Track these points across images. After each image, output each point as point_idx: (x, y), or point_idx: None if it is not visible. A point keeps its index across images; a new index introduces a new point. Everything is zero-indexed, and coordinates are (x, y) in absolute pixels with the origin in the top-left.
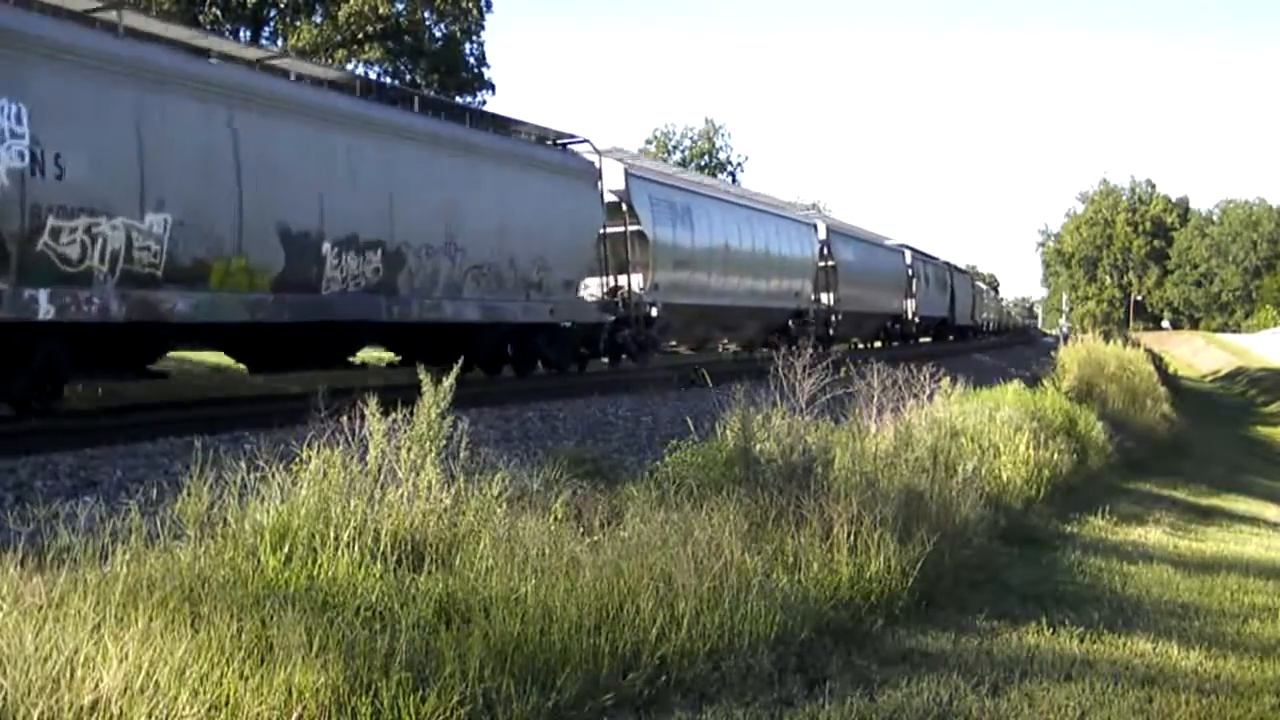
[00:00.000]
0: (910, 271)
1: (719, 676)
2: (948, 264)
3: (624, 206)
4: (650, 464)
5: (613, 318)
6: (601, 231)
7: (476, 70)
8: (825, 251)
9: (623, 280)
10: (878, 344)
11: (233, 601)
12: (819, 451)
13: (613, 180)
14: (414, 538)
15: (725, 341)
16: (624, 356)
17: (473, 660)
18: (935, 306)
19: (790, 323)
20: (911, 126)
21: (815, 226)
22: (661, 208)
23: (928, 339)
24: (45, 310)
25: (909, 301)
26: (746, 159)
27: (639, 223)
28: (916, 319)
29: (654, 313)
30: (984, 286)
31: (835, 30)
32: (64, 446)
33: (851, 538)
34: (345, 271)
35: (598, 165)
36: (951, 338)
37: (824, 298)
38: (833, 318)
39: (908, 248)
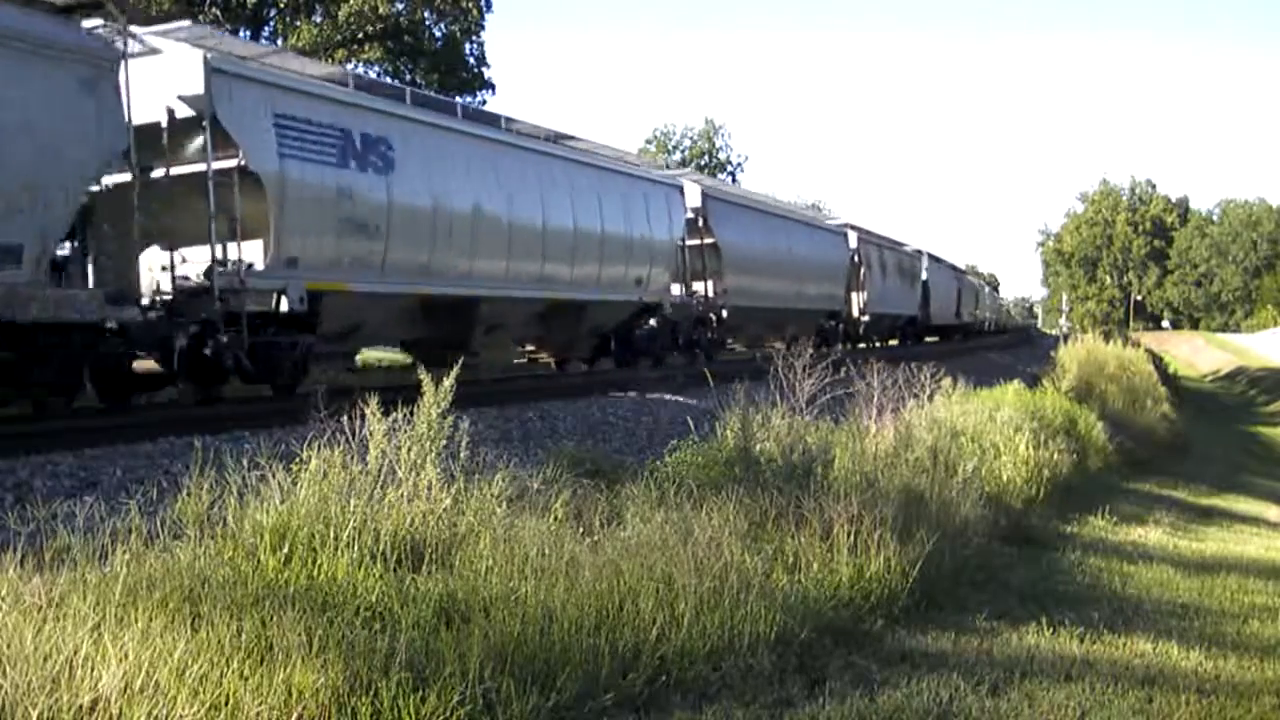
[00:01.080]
0: (856, 257)
1: (719, 676)
2: (920, 251)
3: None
4: (650, 464)
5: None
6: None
7: (476, 70)
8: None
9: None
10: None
11: (233, 601)
12: (819, 451)
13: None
14: (414, 538)
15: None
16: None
17: (473, 660)
18: (896, 301)
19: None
20: (911, 126)
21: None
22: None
23: (895, 341)
24: None
25: (856, 295)
26: (746, 159)
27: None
28: (865, 316)
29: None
30: (975, 281)
31: (835, 30)
32: (64, 446)
33: (851, 538)
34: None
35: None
36: (941, 340)
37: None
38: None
39: (852, 227)
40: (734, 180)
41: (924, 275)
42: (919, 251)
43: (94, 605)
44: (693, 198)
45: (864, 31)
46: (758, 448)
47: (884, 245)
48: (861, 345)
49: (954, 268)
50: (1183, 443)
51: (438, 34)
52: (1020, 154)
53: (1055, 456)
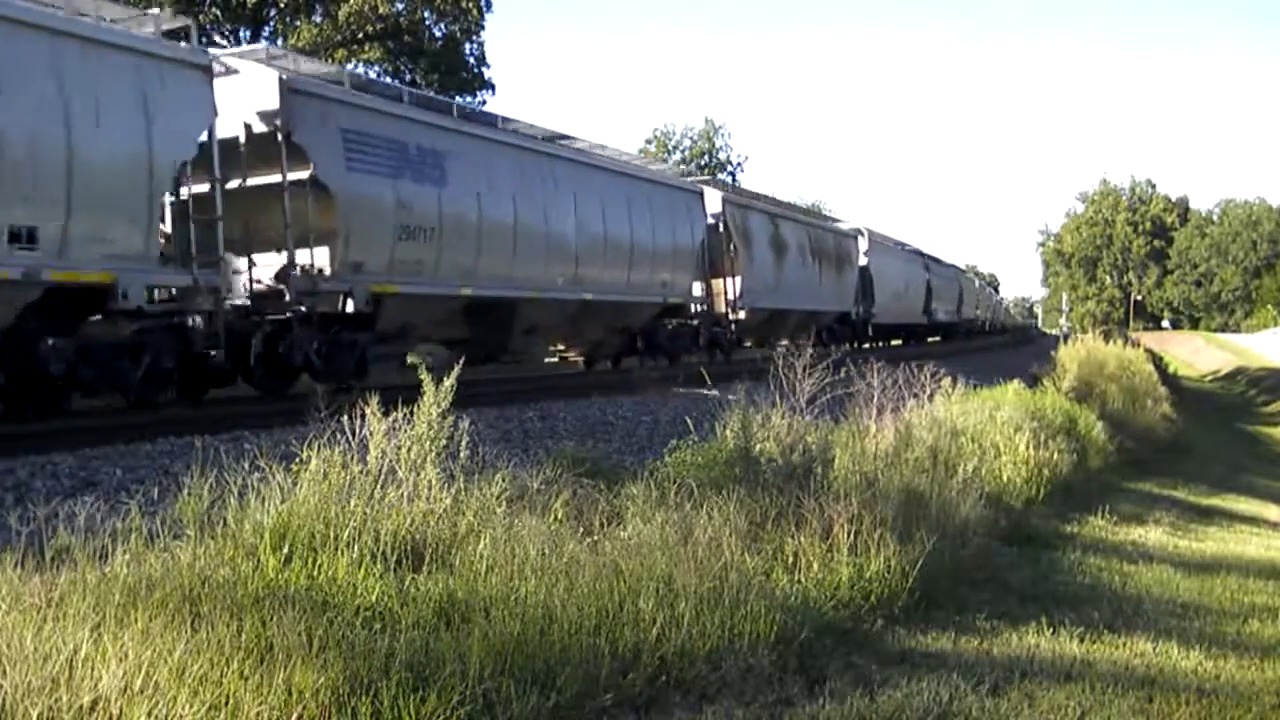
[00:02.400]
0: (723, 228)
1: (719, 676)
2: (859, 230)
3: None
4: (650, 464)
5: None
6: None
7: (476, 70)
8: None
9: (717, 285)
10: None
11: (233, 601)
12: (819, 451)
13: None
14: (414, 538)
15: (784, 341)
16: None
17: (473, 660)
18: (805, 293)
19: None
20: (912, 127)
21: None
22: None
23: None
24: None
25: (728, 283)
26: (746, 159)
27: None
28: (739, 314)
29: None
30: (957, 270)
31: (835, 30)
32: (64, 446)
33: (851, 538)
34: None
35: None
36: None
37: None
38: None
39: (718, 186)
40: (734, 180)
41: (862, 260)
42: (856, 230)
43: (94, 605)
44: (713, 204)
45: (864, 31)
46: (758, 448)
47: (779, 215)
48: (720, 355)
49: (922, 255)
50: (1183, 443)
51: (438, 34)
52: (1020, 154)
53: (1055, 456)
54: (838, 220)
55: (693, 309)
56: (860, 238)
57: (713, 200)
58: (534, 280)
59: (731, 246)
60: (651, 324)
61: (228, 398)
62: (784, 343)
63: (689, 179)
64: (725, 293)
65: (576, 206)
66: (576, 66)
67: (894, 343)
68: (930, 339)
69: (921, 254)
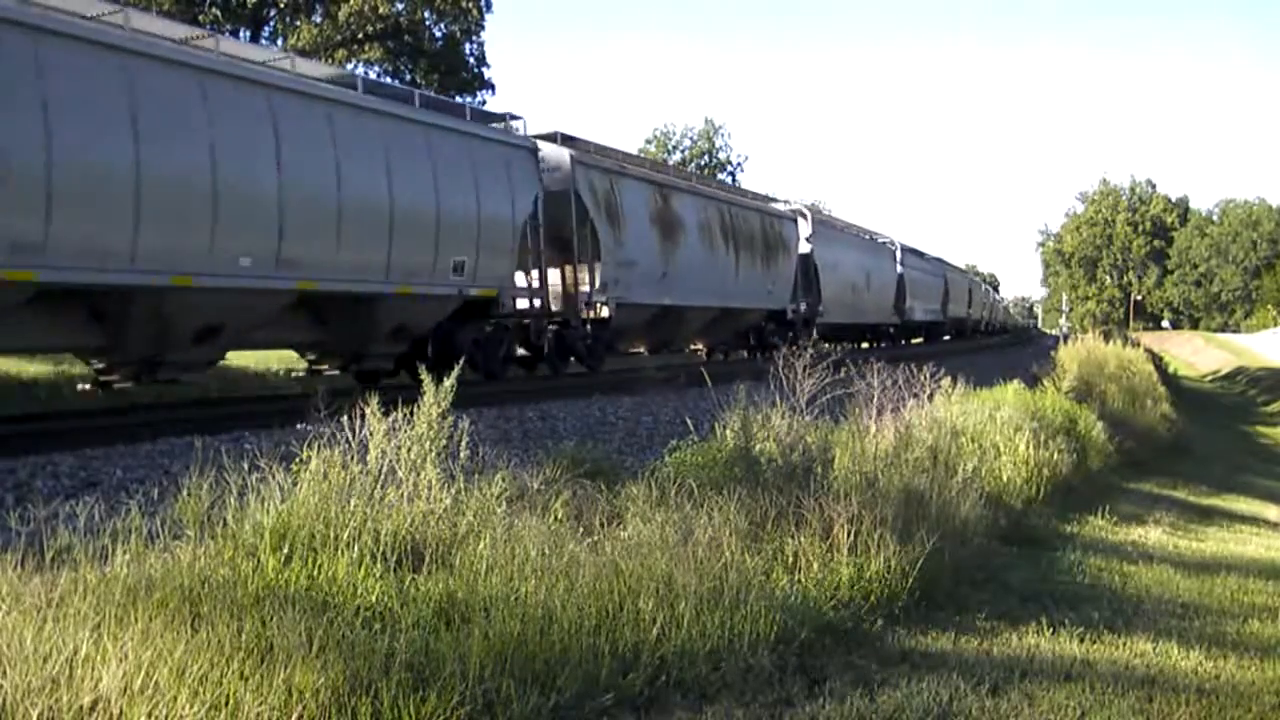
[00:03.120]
0: (575, 192)
1: (719, 676)
2: (801, 210)
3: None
4: (651, 464)
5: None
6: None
7: (476, 70)
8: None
9: (561, 275)
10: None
11: (233, 601)
12: (819, 451)
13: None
14: (414, 538)
15: (698, 345)
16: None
17: (473, 660)
18: (707, 286)
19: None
20: (911, 127)
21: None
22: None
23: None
24: None
25: (584, 271)
26: (746, 159)
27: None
28: (600, 311)
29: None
30: (942, 264)
31: (836, 30)
32: (64, 446)
33: (851, 538)
34: None
35: (890, 245)
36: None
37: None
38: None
39: (566, 139)
40: (734, 180)
41: (803, 247)
42: (797, 212)
43: (94, 605)
44: (805, 228)
45: (864, 32)
46: (758, 448)
47: (670, 186)
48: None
49: (893, 245)
50: (1183, 443)
51: (438, 34)
52: (1020, 154)
53: (1055, 456)
54: (775, 200)
55: (511, 304)
56: (802, 221)
57: (554, 158)
58: (174, 254)
59: (587, 223)
60: (449, 325)
61: (228, 398)
62: (696, 347)
63: (520, 134)
64: (579, 284)
65: (282, 149)
66: (577, 67)
67: (861, 345)
68: (914, 340)
69: (892, 244)
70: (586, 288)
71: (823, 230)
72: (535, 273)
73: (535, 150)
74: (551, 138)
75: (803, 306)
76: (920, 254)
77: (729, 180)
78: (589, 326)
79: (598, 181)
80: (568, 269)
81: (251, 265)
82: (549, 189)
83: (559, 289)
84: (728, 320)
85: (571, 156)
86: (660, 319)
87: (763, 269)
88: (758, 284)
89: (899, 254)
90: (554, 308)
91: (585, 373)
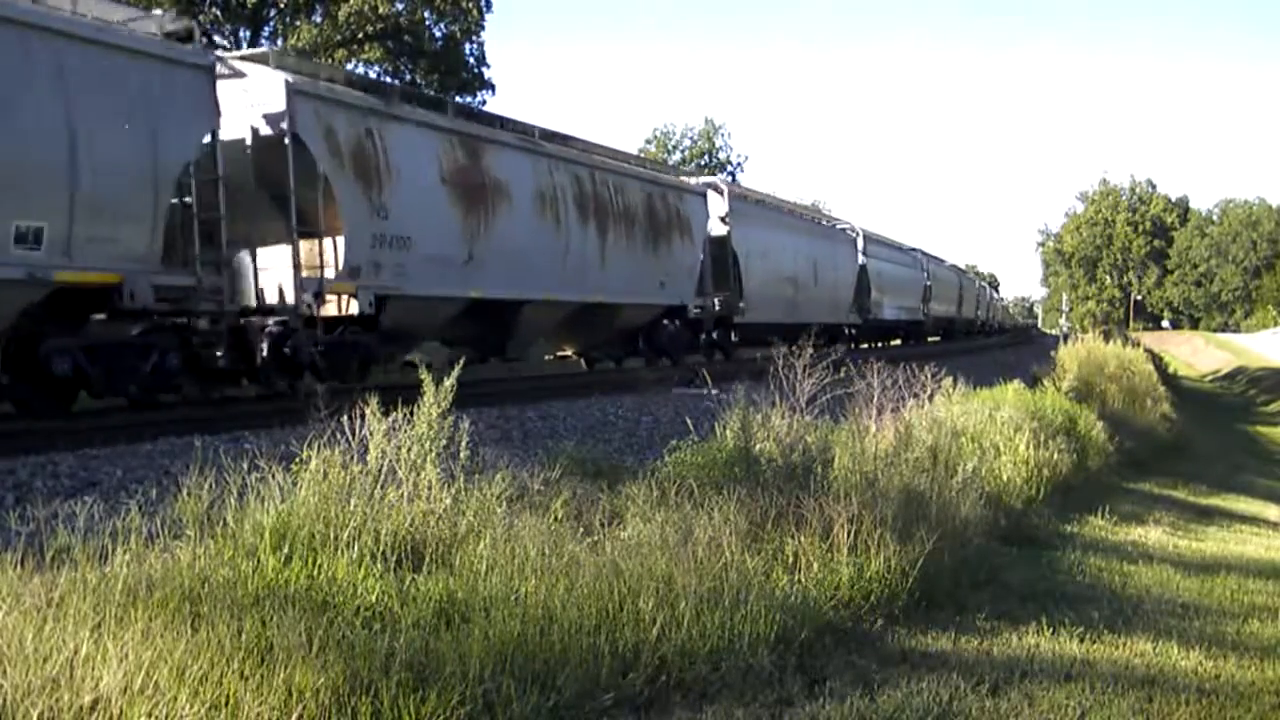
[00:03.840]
0: (292, 138)
1: (719, 676)
2: (717, 186)
3: (725, 228)
4: (651, 464)
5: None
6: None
7: (476, 70)
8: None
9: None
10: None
11: (233, 601)
12: (819, 451)
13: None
14: (414, 538)
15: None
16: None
17: (473, 660)
18: (551, 276)
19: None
20: (912, 127)
21: (918, 257)
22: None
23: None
24: None
25: (318, 249)
26: (746, 159)
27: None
28: (345, 305)
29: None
30: (924, 258)
31: (836, 30)
32: (64, 446)
33: (851, 538)
34: None
35: (850, 232)
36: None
37: None
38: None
39: (254, 59)
40: (733, 180)
41: (717, 229)
42: (707, 185)
43: (94, 605)
44: (859, 242)
45: (864, 31)
46: (758, 448)
47: (482, 139)
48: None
49: (855, 234)
50: (1183, 443)
51: (437, 34)
52: (1020, 154)
53: (1055, 456)
54: (672, 172)
55: (151, 297)
56: (714, 195)
57: (263, 88)
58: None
59: (318, 181)
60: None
61: (228, 398)
62: (566, 354)
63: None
64: (307, 268)
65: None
66: (577, 67)
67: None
68: (890, 343)
69: (852, 230)
70: (317, 272)
71: (744, 209)
72: (242, 250)
73: (210, 69)
74: (262, 59)
75: (714, 303)
76: (893, 244)
77: (729, 180)
78: (342, 329)
79: (341, 123)
80: (266, 251)
81: None
82: (259, 131)
83: (286, 273)
84: (597, 320)
85: (288, 85)
86: (472, 317)
87: (649, 254)
88: (642, 273)
89: (861, 242)
90: (269, 300)
91: (583, 373)
